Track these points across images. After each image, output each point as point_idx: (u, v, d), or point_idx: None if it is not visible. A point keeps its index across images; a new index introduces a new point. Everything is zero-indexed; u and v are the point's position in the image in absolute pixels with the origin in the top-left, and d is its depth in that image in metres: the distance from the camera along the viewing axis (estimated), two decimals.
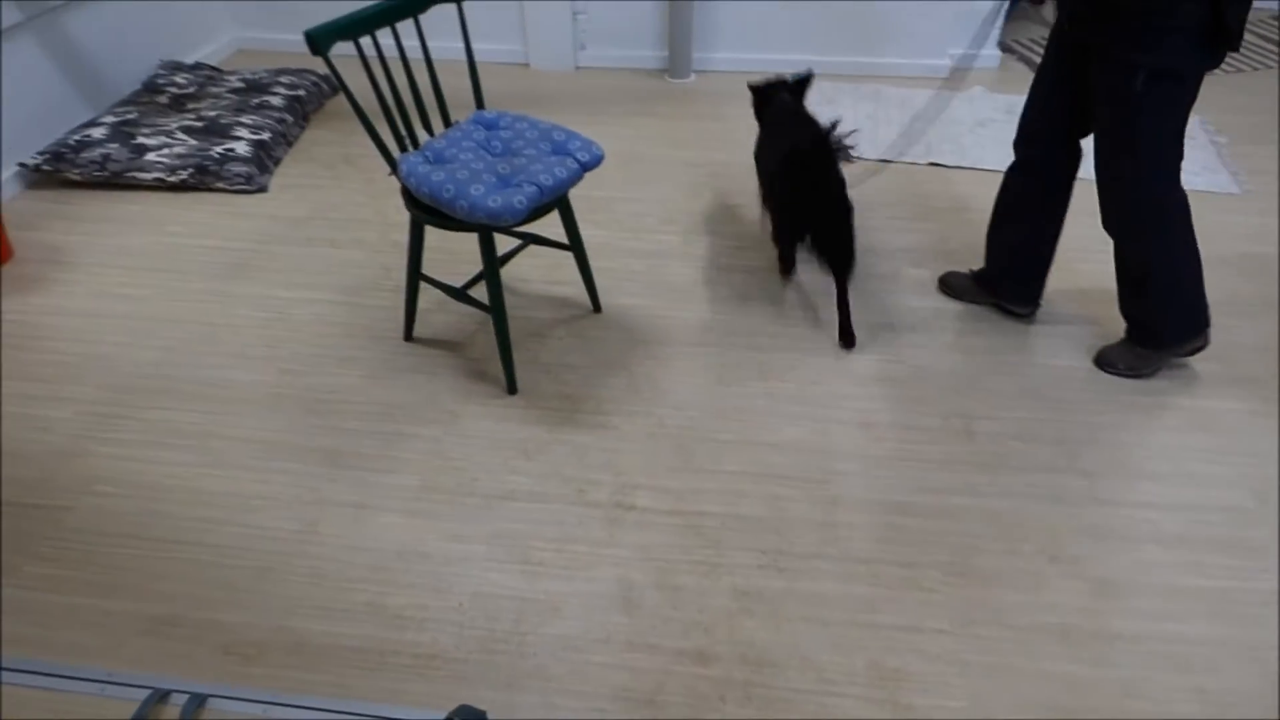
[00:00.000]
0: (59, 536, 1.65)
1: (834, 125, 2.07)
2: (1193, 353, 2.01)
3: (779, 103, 2.33)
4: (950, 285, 2.31)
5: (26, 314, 2.28)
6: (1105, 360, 2.06)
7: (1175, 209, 1.83)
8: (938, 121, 3.16)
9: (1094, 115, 1.80)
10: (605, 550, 1.61)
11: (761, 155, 2.33)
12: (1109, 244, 1.92)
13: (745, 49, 3.59)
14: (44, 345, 2.16)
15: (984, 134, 3.09)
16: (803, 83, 2.39)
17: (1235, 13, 1.55)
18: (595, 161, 1.83)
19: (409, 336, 2.16)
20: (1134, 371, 2.03)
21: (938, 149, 2.99)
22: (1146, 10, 1.58)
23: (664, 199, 2.74)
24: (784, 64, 3.58)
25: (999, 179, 2.12)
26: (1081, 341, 2.11)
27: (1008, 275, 2.18)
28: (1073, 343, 2.11)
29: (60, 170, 2.81)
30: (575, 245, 2.08)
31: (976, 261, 2.23)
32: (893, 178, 2.84)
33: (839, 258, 2.07)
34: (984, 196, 2.68)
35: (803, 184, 2.03)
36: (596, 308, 2.24)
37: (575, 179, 1.79)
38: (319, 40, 1.63)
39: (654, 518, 1.67)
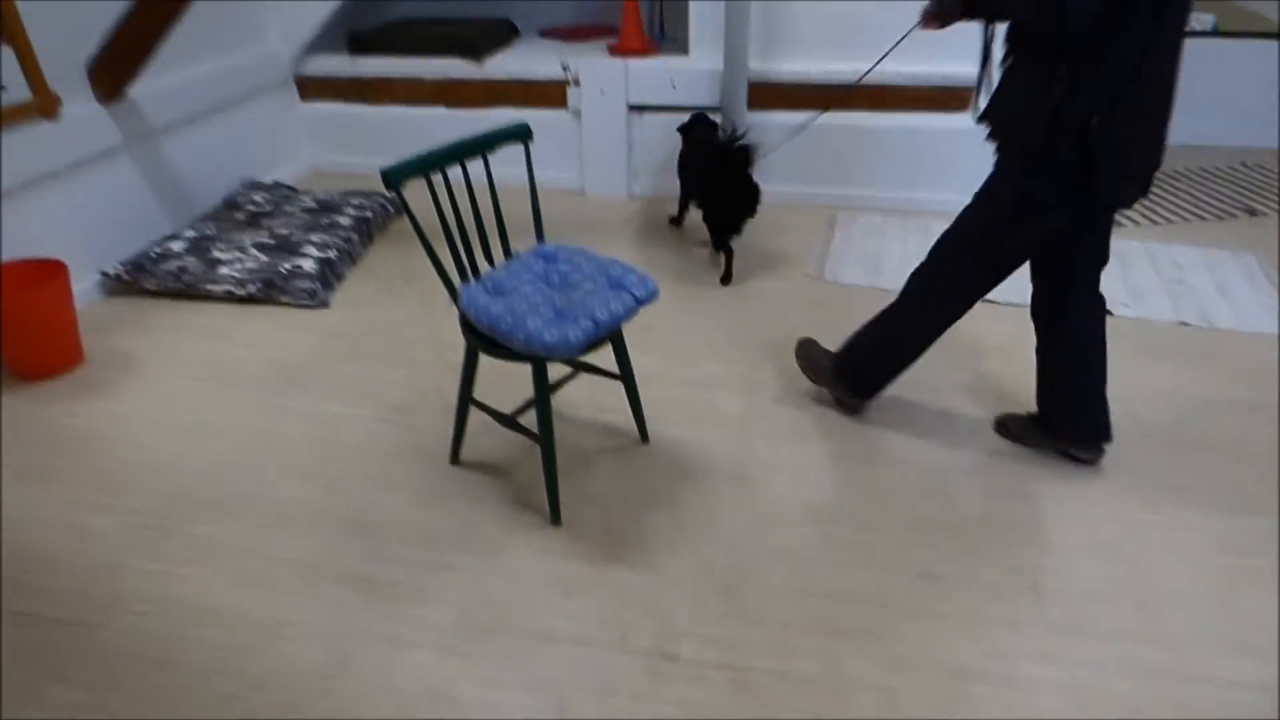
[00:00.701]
0: (88, 657, 1.62)
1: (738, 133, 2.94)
2: (850, 408, 2.28)
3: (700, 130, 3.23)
4: (1008, 428, 2.24)
5: (88, 419, 2.33)
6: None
7: (933, 295, 2.06)
8: None
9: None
10: (647, 705, 1.51)
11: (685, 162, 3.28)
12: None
13: (792, 181, 3.69)
14: (101, 451, 2.20)
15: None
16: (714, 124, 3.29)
17: (1108, 168, 1.64)
18: (650, 296, 1.85)
19: (455, 460, 2.15)
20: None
21: None
22: (1030, 144, 1.70)
23: (713, 329, 2.75)
24: (828, 196, 3.68)
25: None
26: (1156, 490, 2.00)
27: (1063, 416, 2.12)
28: (1144, 491, 2.01)
29: (139, 280, 2.96)
30: (626, 375, 2.08)
31: (1034, 402, 2.17)
32: None
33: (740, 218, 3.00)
34: (1033, 336, 2.66)
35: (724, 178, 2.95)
36: (644, 438, 2.22)
37: (631, 313, 1.81)
38: (393, 179, 1.71)
39: (700, 670, 1.58)
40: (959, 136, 3.45)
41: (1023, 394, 2.36)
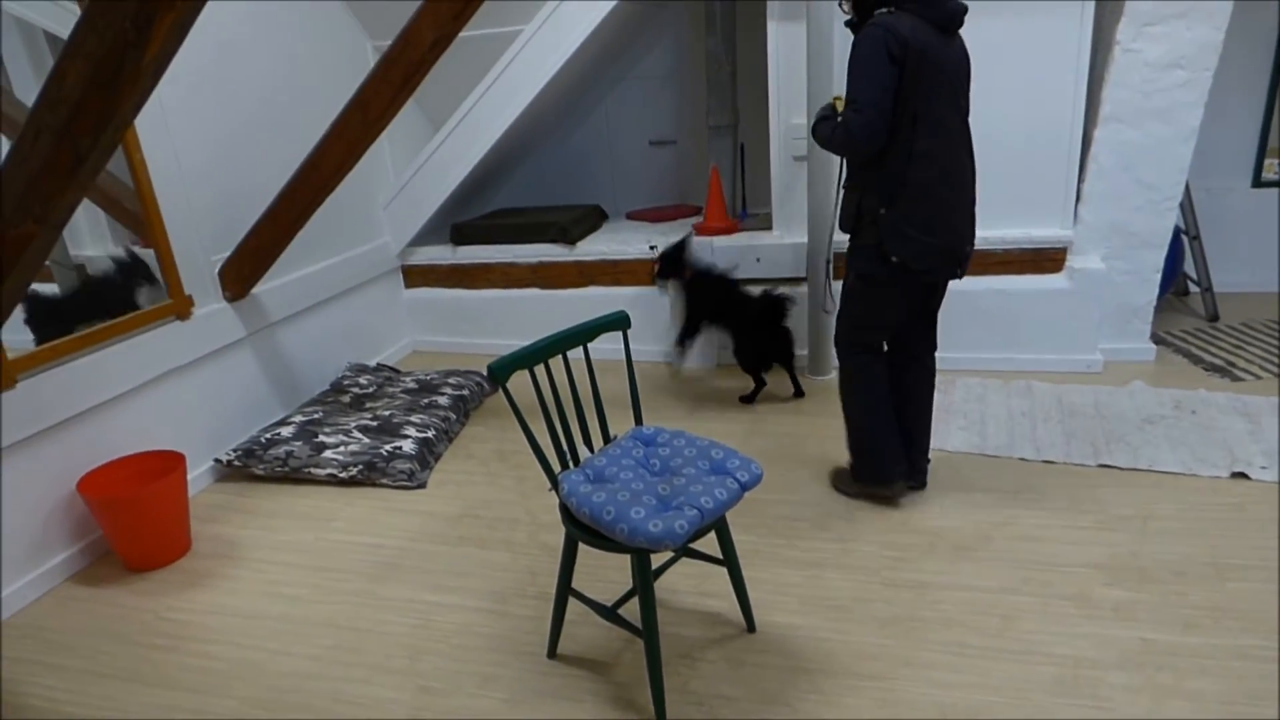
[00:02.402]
0: None
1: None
2: (881, 498, 2.58)
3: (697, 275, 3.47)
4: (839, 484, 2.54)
5: (190, 612, 2.35)
6: (833, 478, 2.74)
7: (854, 375, 2.52)
8: (1101, 419, 2.99)
9: None
10: None
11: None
12: None
13: None
14: (198, 648, 2.19)
15: (1154, 432, 2.88)
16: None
17: (894, 246, 2.26)
18: (754, 481, 1.78)
19: (553, 653, 2.04)
20: (837, 488, 2.69)
21: (1106, 449, 2.79)
22: (854, 233, 2.36)
23: (815, 502, 2.63)
24: None
25: (1182, 481, 1.91)
26: None
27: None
28: None
29: (248, 466, 3.08)
30: (729, 561, 1.97)
31: (1181, 584, 1.95)
32: (1060, 480, 2.64)
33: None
34: (1170, 502, 2.44)
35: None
36: (751, 627, 2.07)
37: (735, 500, 1.73)
38: (499, 374, 1.75)
39: None
40: (1053, 297, 3.39)
41: (1159, 569, 2.13)
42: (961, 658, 1.92)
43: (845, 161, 2.43)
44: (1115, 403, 3.12)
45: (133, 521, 2.49)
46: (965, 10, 2.22)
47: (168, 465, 2.65)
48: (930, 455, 2.64)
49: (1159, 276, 3.44)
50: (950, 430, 3.01)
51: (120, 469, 2.62)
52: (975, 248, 3.36)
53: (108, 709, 1.99)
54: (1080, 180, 3.36)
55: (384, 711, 1.91)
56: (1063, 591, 2.11)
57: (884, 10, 2.16)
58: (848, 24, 2.30)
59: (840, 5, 2.30)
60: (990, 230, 3.42)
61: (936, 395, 3.27)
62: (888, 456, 2.51)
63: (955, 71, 2.24)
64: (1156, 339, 3.67)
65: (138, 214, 2.85)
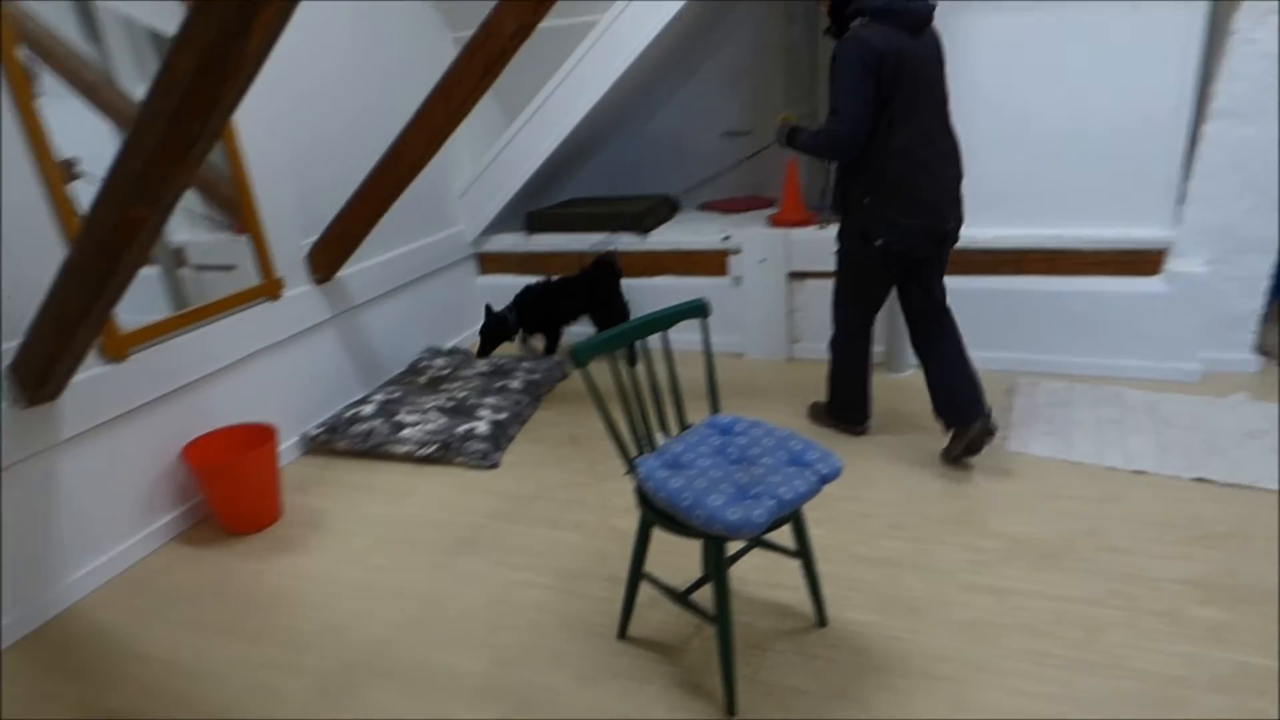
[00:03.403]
0: None
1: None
2: (855, 433, 3.02)
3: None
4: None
5: (281, 576, 2.47)
6: (810, 411, 3.20)
7: (842, 342, 2.90)
8: (1198, 431, 2.85)
9: None
10: None
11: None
12: None
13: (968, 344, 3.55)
14: (290, 609, 2.30)
15: (1256, 447, 2.73)
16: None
17: (877, 230, 2.57)
18: (834, 474, 1.77)
19: (623, 634, 2.07)
20: (813, 420, 3.17)
21: (1203, 462, 2.66)
22: (843, 216, 2.69)
23: (889, 500, 2.60)
24: (1004, 361, 3.50)
25: None
26: None
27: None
28: None
29: (331, 441, 3.20)
30: (804, 554, 1.96)
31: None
32: (1152, 493, 2.53)
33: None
34: (1271, 521, 2.32)
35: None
36: (822, 621, 2.06)
37: (814, 492, 1.73)
38: (580, 356, 1.78)
39: None
40: (1149, 301, 3.24)
41: (1255, 590, 2.03)
42: (1042, 667, 1.87)
43: None
44: (1214, 415, 2.97)
45: (230, 488, 2.63)
46: (933, 10, 2.47)
47: (261, 437, 2.78)
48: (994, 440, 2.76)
49: (1267, 284, 3.25)
50: (1033, 435, 2.92)
51: (219, 439, 2.76)
52: (1065, 246, 3.30)
53: (210, 660, 2.11)
54: (1185, 179, 3.20)
55: (462, 680, 1.97)
56: (1152, 607, 2.03)
57: (859, 21, 2.42)
58: (826, 31, 2.58)
59: (822, 12, 2.57)
60: (1083, 229, 3.31)
61: (1017, 398, 3.20)
62: (857, 408, 2.97)
63: (928, 67, 2.49)
64: (1261, 350, 3.47)
65: (233, 199, 2.99)
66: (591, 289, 3.83)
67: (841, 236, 2.75)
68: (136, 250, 1.89)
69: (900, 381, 3.50)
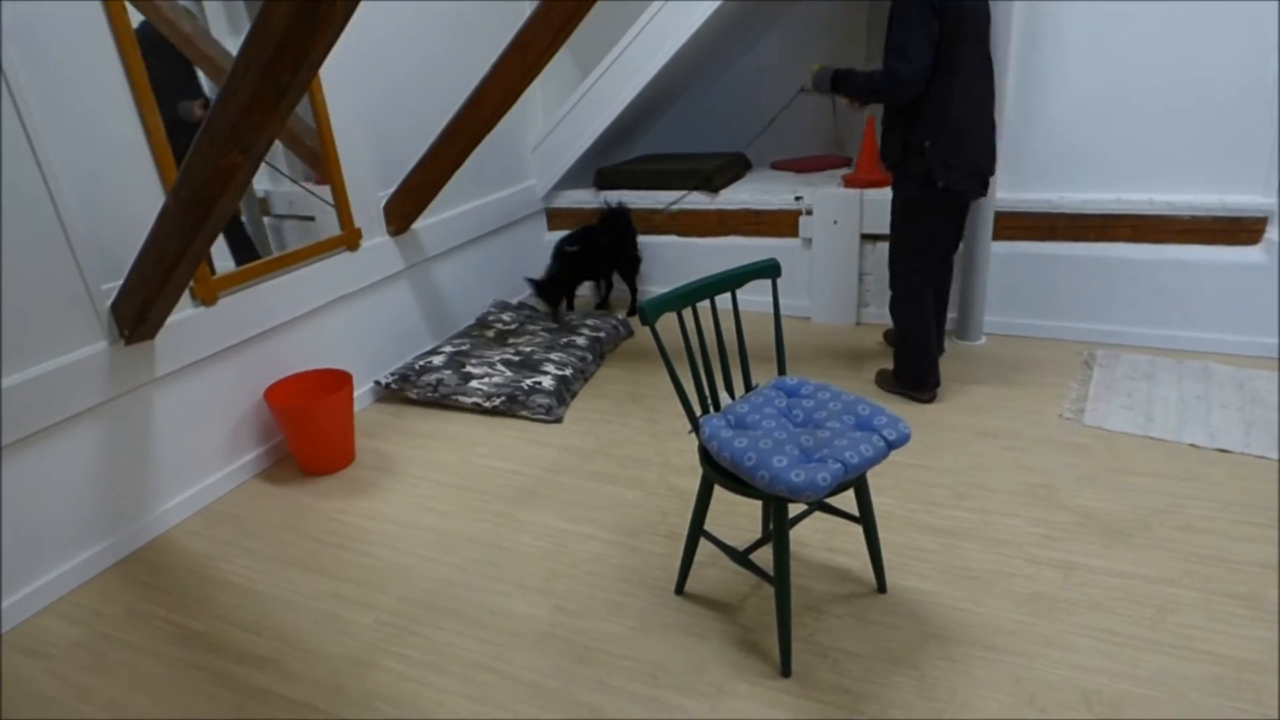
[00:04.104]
0: None
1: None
2: (923, 400, 2.96)
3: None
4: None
5: (354, 515, 2.58)
6: (876, 376, 3.15)
7: (909, 299, 2.87)
8: None
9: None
10: None
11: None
12: None
13: (1039, 313, 3.43)
14: (361, 548, 2.41)
15: None
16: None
17: (941, 173, 2.61)
18: (902, 441, 1.74)
19: (680, 590, 2.11)
20: (882, 387, 3.09)
21: None
22: (901, 165, 2.70)
23: (955, 470, 2.55)
24: (1083, 332, 3.36)
25: None
26: None
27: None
28: None
29: (403, 389, 3.30)
30: (866, 519, 1.95)
31: None
32: (1235, 472, 2.42)
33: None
34: None
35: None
36: (881, 588, 2.05)
37: (880, 458, 1.71)
38: (649, 313, 1.78)
39: None
40: (1245, 272, 3.06)
41: None
42: (1109, 644, 1.83)
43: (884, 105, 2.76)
44: None
45: (307, 430, 2.75)
46: None
47: (338, 382, 2.89)
48: (1069, 412, 2.82)
49: None
50: (1111, 408, 2.82)
51: (298, 382, 2.88)
52: (1155, 212, 3.14)
53: (285, 590, 2.24)
54: None
55: (523, 624, 2.04)
56: (1230, 589, 1.96)
57: None
58: None
59: None
60: (1175, 194, 3.13)
61: (1096, 370, 3.09)
62: (930, 368, 2.93)
63: (978, 16, 2.59)
64: None
65: (317, 150, 3.07)
66: (619, 238, 4.01)
67: (903, 185, 2.76)
68: (229, 197, 1.97)
69: (973, 350, 3.41)
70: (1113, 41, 3.03)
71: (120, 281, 2.29)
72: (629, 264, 4.11)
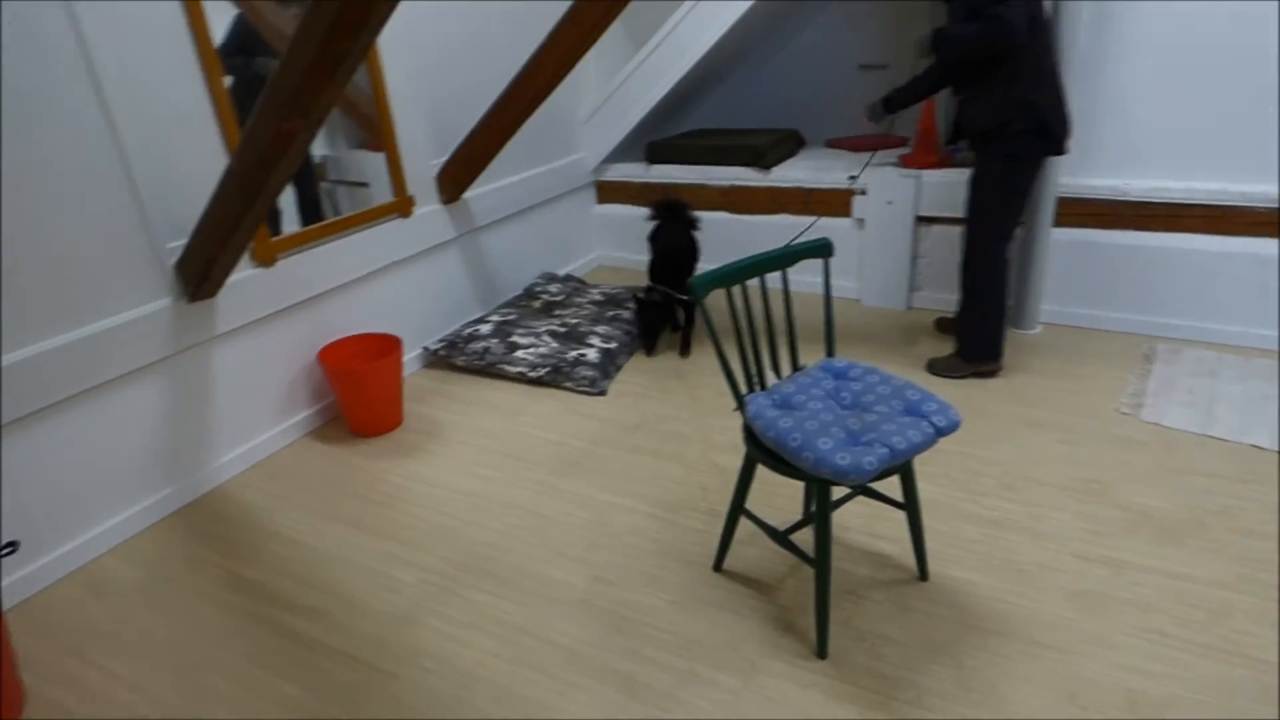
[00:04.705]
0: (383, 704, 1.76)
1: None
2: (987, 374, 3.00)
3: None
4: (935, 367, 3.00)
5: (401, 477, 2.64)
6: (931, 365, 3.08)
7: (993, 266, 2.86)
8: None
9: (969, 194, 2.86)
10: None
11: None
12: None
13: (1098, 304, 3.33)
14: (407, 509, 2.47)
15: None
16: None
17: (1054, 121, 2.65)
18: (952, 428, 1.71)
19: (718, 567, 2.12)
20: (947, 374, 3.02)
21: None
22: (1005, 125, 2.65)
23: (1004, 461, 2.50)
24: (1144, 325, 3.26)
25: None
26: None
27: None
28: None
29: (450, 356, 3.35)
30: (911, 506, 1.93)
31: None
32: None
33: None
34: None
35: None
36: (923, 575, 2.03)
37: (929, 444, 1.68)
38: (698, 289, 1.77)
39: None
40: None
41: None
42: (1158, 646, 1.79)
43: (958, 76, 2.78)
44: None
45: (359, 391, 2.82)
46: None
47: (388, 346, 2.95)
48: (1126, 406, 2.77)
49: None
50: (1170, 405, 2.73)
51: (350, 345, 2.95)
52: (1229, 203, 3.02)
53: (335, 546, 2.31)
54: None
55: (561, 591, 2.07)
56: None
57: None
58: None
59: None
60: (1250, 184, 2.99)
61: (1156, 365, 2.99)
62: (996, 344, 2.95)
63: None
64: None
65: (373, 118, 3.10)
66: (691, 229, 3.57)
67: (1004, 144, 2.68)
68: (289, 161, 2.00)
69: (1027, 339, 3.33)
70: (1190, 20, 2.89)
71: (185, 241, 2.36)
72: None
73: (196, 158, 2.43)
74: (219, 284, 2.45)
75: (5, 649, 1.79)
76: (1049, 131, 2.65)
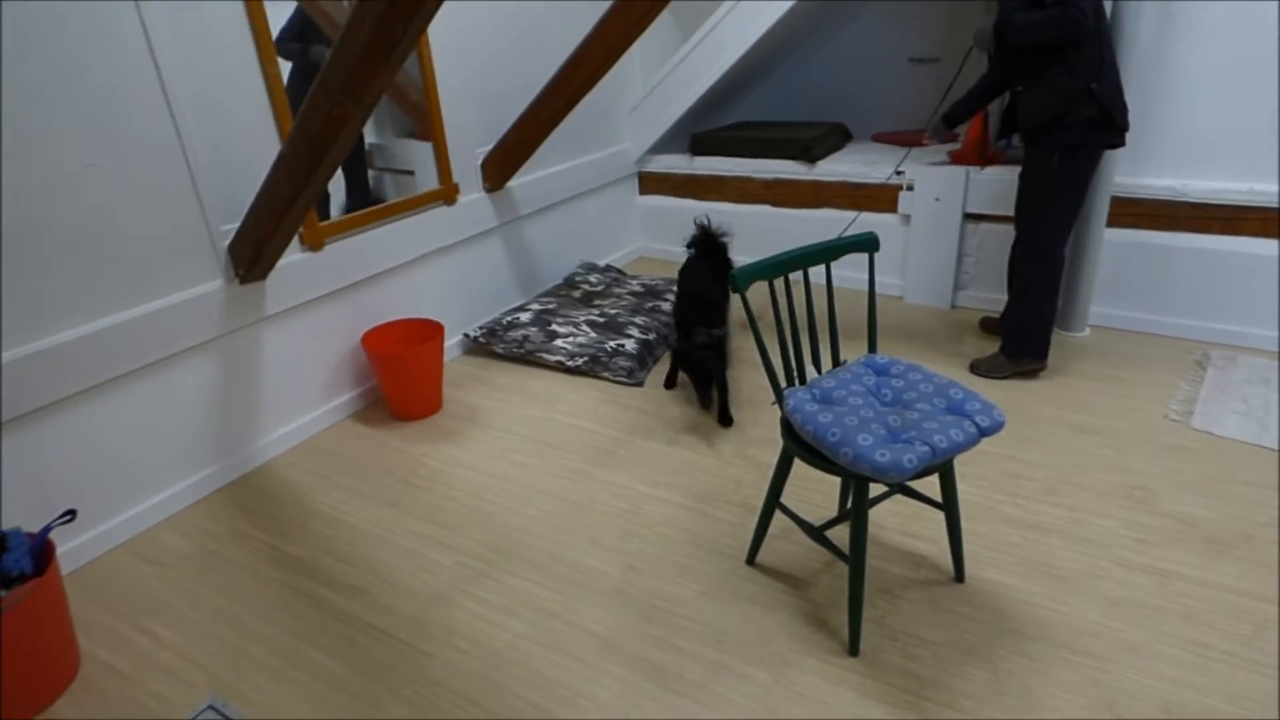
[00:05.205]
0: (419, 682, 1.80)
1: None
2: (1033, 372, 2.95)
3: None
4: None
5: (439, 461, 2.68)
6: (975, 365, 3.04)
7: (1053, 263, 2.83)
8: None
9: (1022, 188, 2.86)
10: None
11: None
12: None
13: (1153, 308, 3.23)
14: (445, 492, 2.51)
15: None
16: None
17: (1116, 110, 2.60)
18: (995, 428, 1.69)
19: (751, 560, 2.12)
20: (991, 374, 2.98)
21: None
22: (1065, 115, 2.60)
23: (1046, 464, 2.45)
24: (1200, 329, 3.16)
25: None
26: None
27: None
28: None
29: (490, 343, 3.39)
30: (949, 506, 1.91)
31: None
32: None
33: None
34: None
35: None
36: (959, 577, 2.01)
37: (971, 444, 1.66)
38: (740, 281, 1.77)
39: None
40: None
41: None
42: (1200, 658, 1.74)
43: (1013, 72, 2.75)
44: None
45: (400, 376, 2.87)
46: None
47: (430, 332, 2.99)
48: (1175, 413, 2.70)
49: None
50: (1223, 413, 2.65)
51: (393, 330, 3.00)
52: None
53: (374, 526, 2.36)
54: None
55: (594, 579, 2.09)
56: None
57: None
58: None
59: None
60: None
61: (1210, 372, 2.90)
62: (1045, 342, 2.91)
63: None
64: None
65: (421, 106, 3.14)
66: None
67: (1063, 135, 2.63)
68: (339, 146, 2.04)
69: (1075, 341, 3.25)
70: (1259, 16, 2.78)
71: (237, 224, 2.42)
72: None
73: (250, 143, 2.49)
74: (269, 267, 2.51)
75: (63, 612, 1.87)
76: (1111, 121, 2.60)
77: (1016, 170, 2.90)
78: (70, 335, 2.12)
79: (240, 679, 1.84)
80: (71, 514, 1.98)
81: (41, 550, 1.85)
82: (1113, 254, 3.21)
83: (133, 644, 1.97)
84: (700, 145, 4.22)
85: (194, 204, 2.34)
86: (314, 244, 2.72)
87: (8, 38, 1.88)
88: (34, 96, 1.96)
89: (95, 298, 2.16)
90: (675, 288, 3.23)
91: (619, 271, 4.11)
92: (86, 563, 2.27)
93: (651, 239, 4.59)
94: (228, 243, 2.45)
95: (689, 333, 2.86)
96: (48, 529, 1.88)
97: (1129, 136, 2.73)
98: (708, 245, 3.23)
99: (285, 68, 2.58)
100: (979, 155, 3.45)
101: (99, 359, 2.19)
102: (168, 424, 2.42)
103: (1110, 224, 3.14)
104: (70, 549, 2.22)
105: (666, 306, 3.59)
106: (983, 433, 1.67)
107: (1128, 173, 3.11)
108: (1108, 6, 2.72)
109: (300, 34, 2.72)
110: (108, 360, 2.21)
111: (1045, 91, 2.62)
